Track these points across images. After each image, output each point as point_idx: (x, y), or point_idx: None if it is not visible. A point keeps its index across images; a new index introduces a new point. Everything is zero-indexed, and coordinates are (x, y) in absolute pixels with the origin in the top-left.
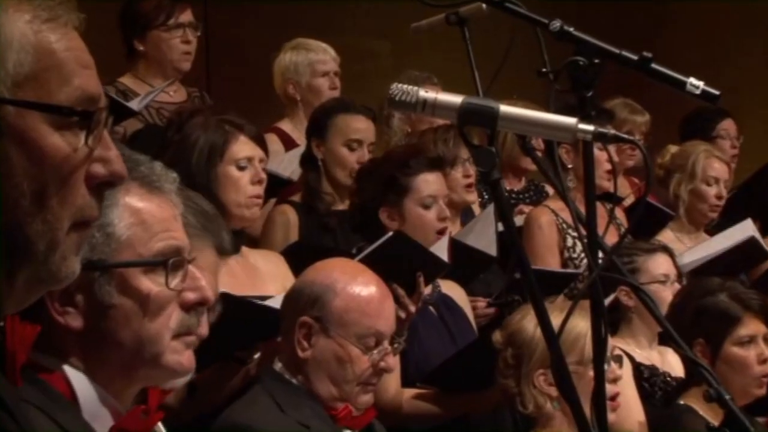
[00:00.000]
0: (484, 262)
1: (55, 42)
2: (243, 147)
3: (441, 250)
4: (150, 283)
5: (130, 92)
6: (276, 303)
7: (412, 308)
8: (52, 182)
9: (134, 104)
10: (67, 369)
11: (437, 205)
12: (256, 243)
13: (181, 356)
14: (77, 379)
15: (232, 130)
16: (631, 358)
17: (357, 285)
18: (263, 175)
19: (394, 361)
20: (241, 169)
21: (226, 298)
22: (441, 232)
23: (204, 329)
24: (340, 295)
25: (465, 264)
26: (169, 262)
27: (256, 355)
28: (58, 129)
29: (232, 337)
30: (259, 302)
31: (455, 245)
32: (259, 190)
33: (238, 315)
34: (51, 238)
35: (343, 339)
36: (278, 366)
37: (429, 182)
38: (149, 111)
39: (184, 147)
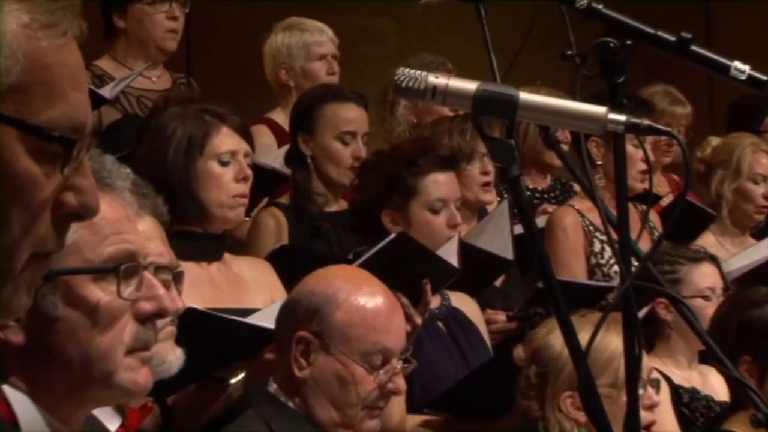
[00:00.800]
0: (498, 268)
1: (50, 54)
2: (225, 140)
3: (450, 253)
4: (100, 292)
5: (108, 77)
6: (262, 316)
7: (418, 320)
8: (16, 207)
9: (106, 91)
10: (7, 389)
11: (447, 209)
12: (241, 250)
13: (137, 374)
14: (18, 400)
15: (213, 120)
16: (669, 380)
17: (362, 295)
18: (248, 172)
19: (403, 383)
20: (224, 164)
21: (195, 314)
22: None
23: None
24: (343, 307)
25: (476, 270)
26: (121, 268)
27: (239, 376)
28: (32, 152)
29: (207, 356)
30: (233, 318)
31: (464, 248)
32: (244, 188)
33: (212, 331)
34: (6, 268)
35: (346, 357)
36: (273, 387)
37: (439, 183)
38: (128, 99)
39: (159, 140)
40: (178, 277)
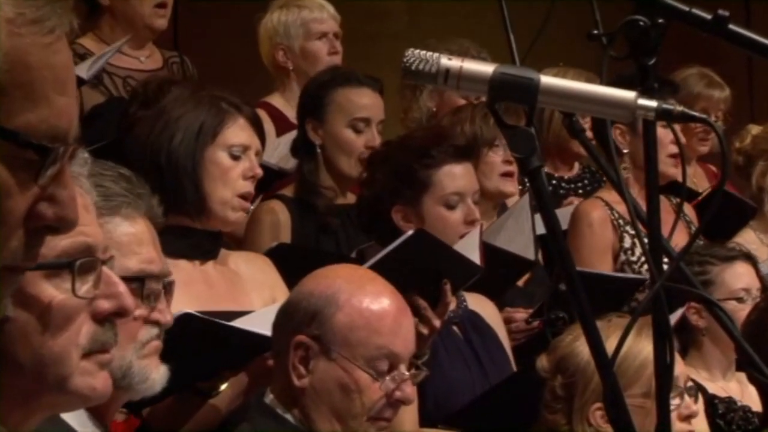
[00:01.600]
0: (518, 269)
1: (33, 53)
2: (240, 132)
3: (471, 249)
4: (53, 290)
5: (91, 56)
6: (258, 318)
7: (437, 322)
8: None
9: (82, 70)
10: None
11: (464, 204)
12: (237, 245)
13: (94, 379)
14: None
15: (230, 110)
16: (703, 390)
17: (365, 296)
18: (258, 171)
19: (412, 391)
20: (235, 158)
21: (187, 320)
22: None
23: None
24: (345, 308)
25: (494, 271)
26: (77, 263)
27: (223, 386)
28: (5, 158)
29: (194, 365)
30: (223, 323)
31: (482, 247)
32: (250, 188)
33: (200, 337)
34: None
35: (349, 362)
36: (269, 398)
37: (455, 176)
38: (113, 80)
39: (165, 122)
40: (168, 287)
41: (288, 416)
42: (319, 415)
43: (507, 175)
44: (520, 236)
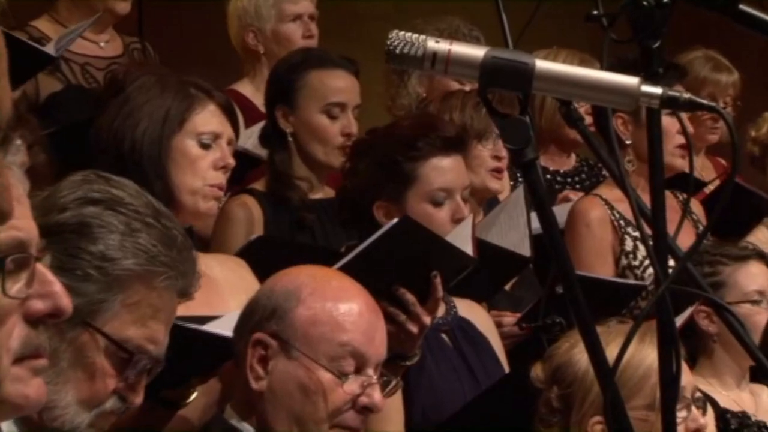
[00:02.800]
0: (513, 267)
1: None
2: (210, 119)
3: (463, 239)
4: None
5: (47, 41)
6: (230, 321)
7: (426, 319)
8: None
9: (50, 48)
10: None
11: (452, 201)
12: (206, 246)
13: (26, 386)
14: None
15: (199, 95)
16: (714, 403)
17: (330, 290)
18: (231, 161)
19: (381, 399)
20: (204, 147)
21: None
22: None
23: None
24: (306, 302)
25: (486, 269)
26: (7, 260)
27: (192, 396)
28: None
29: (160, 374)
30: (190, 326)
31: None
32: (222, 178)
33: (170, 343)
34: None
35: (310, 361)
36: (228, 410)
37: (442, 170)
38: (71, 67)
39: (130, 109)
40: (154, 368)
41: (244, 426)
42: (277, 421)
43: (495, 171)
44: (513, 232)
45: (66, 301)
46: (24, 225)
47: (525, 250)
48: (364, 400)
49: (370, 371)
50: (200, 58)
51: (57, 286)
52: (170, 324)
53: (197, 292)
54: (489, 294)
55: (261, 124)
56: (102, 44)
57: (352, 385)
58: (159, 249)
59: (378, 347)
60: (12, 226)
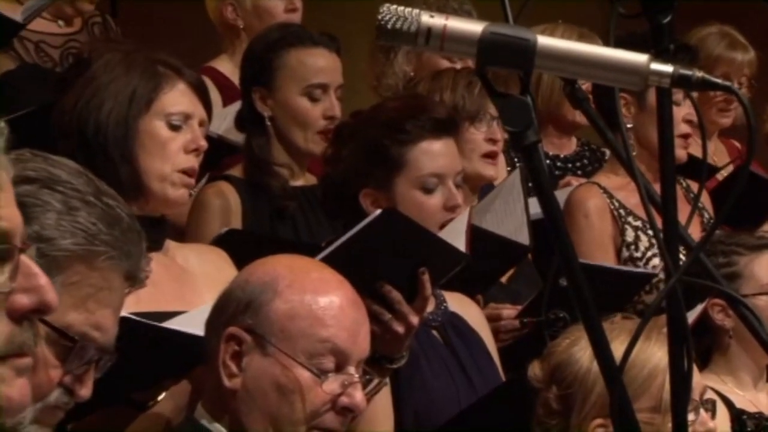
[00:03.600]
0: (510, 256)
1: None
2: (179, 98)
3: (456, 234)
4: None
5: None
6: (200, 317)
7: (414, 319)
8: None
9: (17, 14)
10: None
11: (444, 187)
12: (181, 236)
13: (10, 387)
14: None
15: (167, 72)
16: (729, 403)
17: (309, 282)
18: (203, 143)
19: (362, 398)
20: (173, 128)
21: (122, 323)
22: (444, 226)
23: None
24: (284, 295)
25: (481, 259)
26: None
27: (161, 396)
28: None
29: (126, 373)
30: (158, 324)
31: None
32: (194, 162)
33: (133, 342)
34: None
35: (287, 357)
36: (198, 410)
37: (433, 154)
38: (24, 45)
39: (93, 90)
40: (102, 360)
41: (215, 426)
42: (252, 422)
43: (489, 156)
44: (510, 218)
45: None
46: (7, 214)
47: (523, 238)
48: (344, 400)
49: (352, 369)
50: (175, 33)
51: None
52: (119, 311)
53: (171, 284)
54: (484, 286)
55: (237, 105)
56: (59, 21)
57: (332, 385)
58: (99, 228)
59: (360, 344)
60: None
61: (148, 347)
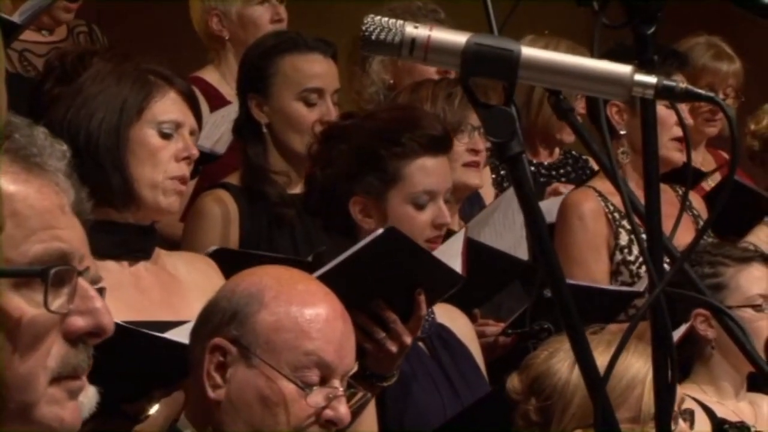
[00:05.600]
0: (508, 271)
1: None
2: (171, 107)
3: (452, 253)
4: (23, 303)
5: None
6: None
7: (407, 339)
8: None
9: (15, 16)
10: None
11: (434, 204)
12: (173, 246)
13: (63, 408)
14: None
15: (158, 82)
16: (710, 413)
17: (296, 294)
18: (194, 151)
19: (346, 412)
20: (165, 136)
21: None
22: (432, 242)
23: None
24: (270, 307)
25: (479, 274)
26: (51, 272)
27: (153, 408)
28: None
29: (117, 384)
30: (152, 333)
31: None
32: (185, 170)
33: (124, 351)
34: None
35: (272, 369)
36: (182, 420)
37: (428, 171)
38: (7, 54)
39: (84, 100)
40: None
41: None
42: None
43: (471, 165)
44: (509, 233)
45: (108, 319)
46: (67, 236)
47: (522, 252)
48: (328, 413)
49: (336, 383)
50: (161, 44)
51: (99, 302)
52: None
53: (160, 291)
54: (481, 301)
55: (224, 111)
56: (43, 30)
57: (316, 397)
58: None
59: (345, 357)
60: (55, 236)
61: (138, 355)
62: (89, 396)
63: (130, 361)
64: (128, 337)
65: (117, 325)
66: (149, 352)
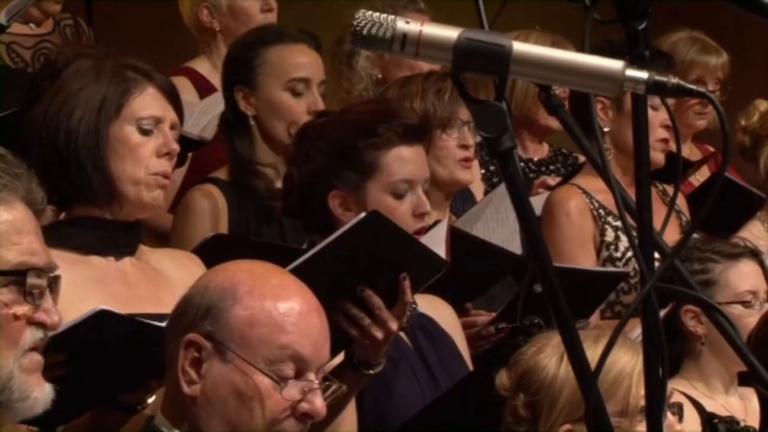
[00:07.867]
0: (502, 266)
1: None
2: (150, 102)
3: (436, 241)
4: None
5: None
6: None
7: (393, 325)
8: None
9: (1, 16)
10: None
11: (414, 193)
12: (165, 241)
13: None
14: None
15: (137, 77)
16: (700, 408)
17: (270, 288)
18: (175, 146)
19: (322, 405)
20: (145, 133)
21: (101, 316)
22: (416, 233)
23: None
24: (244, 302)
25: (472, 268)
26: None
27: (150, 399)
28: None
29: (113, 373)
30: (148, 321)
31: (457, 239)
32: (167, 166)
33: (119, 340)
34: None
35: (247, 364)
36: (158, 416)
37: (404, 161)
38: None
39: (63, 97)
40: (54, 284)
41: None
42: (211, 428)
43: (464, 161)
44: (502, 228)
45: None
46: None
47: (515, 246)
48: (304, 406)
49: (312, 376)
50: (151, 36)
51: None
52: (38, 234)
53: (147, 286)
54: (474, 295)
55: (212, 99)
56: (31, 24)
57: (291, 391)
58: None
59: (320, 350)
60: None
61: (128, 343)
62: (45, 391)
63: (119, 348)
64: (122, 326)
65: (111, 313)
66: (138, 340)
